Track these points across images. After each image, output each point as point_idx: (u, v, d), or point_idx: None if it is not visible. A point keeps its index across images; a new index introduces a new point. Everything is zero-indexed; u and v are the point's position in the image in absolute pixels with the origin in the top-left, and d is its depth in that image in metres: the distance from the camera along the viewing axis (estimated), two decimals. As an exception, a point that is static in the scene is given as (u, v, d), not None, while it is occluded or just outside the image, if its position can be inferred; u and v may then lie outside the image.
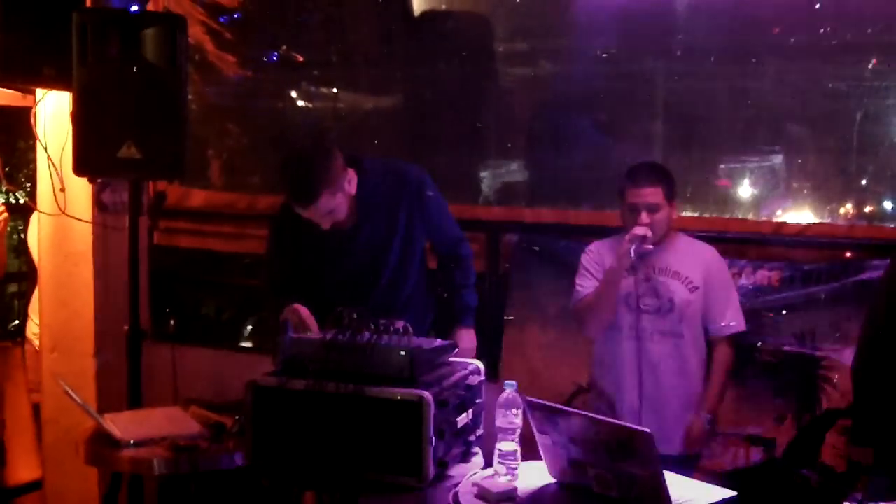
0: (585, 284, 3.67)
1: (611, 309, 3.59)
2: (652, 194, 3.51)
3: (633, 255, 3.45)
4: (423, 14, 5.03)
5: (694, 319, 3.58)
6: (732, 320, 3.61)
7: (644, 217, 3.50)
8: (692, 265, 3.60)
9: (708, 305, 3.59)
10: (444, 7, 5.07)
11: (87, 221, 4.59)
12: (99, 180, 4.51)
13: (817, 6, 4.23)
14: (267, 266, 3.71)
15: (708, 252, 3.66)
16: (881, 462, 3.19)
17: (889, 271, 3.29)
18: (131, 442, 3.23)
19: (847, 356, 3.70)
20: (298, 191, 3.28)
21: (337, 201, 3.30)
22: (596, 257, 3.69)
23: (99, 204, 4.65)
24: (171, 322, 5.43)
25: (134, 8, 4.25)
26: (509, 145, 5.00)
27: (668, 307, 3.56)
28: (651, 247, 3.49)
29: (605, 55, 4.73)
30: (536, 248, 4.45)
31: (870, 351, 3.24)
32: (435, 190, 3.60)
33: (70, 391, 3.44)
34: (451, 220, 3.71)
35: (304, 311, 3.28)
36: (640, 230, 3.46)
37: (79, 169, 3.96)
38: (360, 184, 3.40)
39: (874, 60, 4.12)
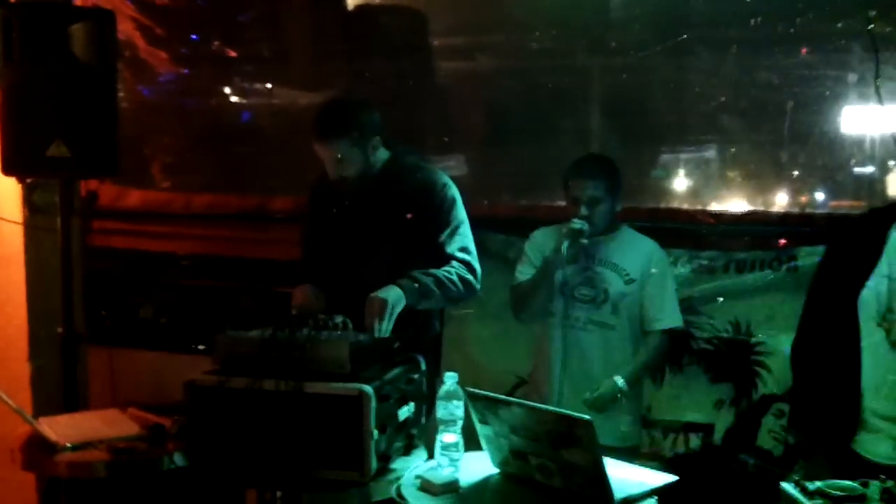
0: (524, 271, 3.70)
1: (545, 297, 3.62)
2: (592, 187, 3.56)
3: (565, 247, 3.47)
4: (358, 8, 5.00)
5: (628, 311, 3.61)
6: (668, 316, 3.66)
7: (583, 210, 3.53)
8: (631, 258, 3.64)
9: (644, 299, 3.63)
10: (378, 1, 5.05)
11: (16, 223, 4.49)
12: (28, 180, 4.40)
13: (747, -2, 4.30)
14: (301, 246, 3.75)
15: (649, 246, 3.70)
16: (816, 442, 3.26)
17: (825, 256, 3.36)
18: (68, 445, 3.16)
19: (781, 342, 3.77)
20: (320, 124, 3.38)
21: (353, 154, 3.37)
22: (537, 245, 3.72)
23: (29, 205, 4.55)
24: (108, 325, 5.33)
25: (62, 3, 4.16)
26: (446, 140, 4.99)
27: (603, 298, 3.60)
28: (586, 241, 3.52)
29: (541, 50, 4.75)
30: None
31: (806, 335, 3.30)
32: (447, 198, 3.48)
33: (3, 396, 3.35)
34: (457, 231, 3.48)
35: (309, 291, 3.33)
36: (577, 223, 3.50)
37: (7, 168, 3.87)
38: (385, 167, 3.48)
39: (804, 50, 4.19)
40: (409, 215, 3.44)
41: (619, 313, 3.60)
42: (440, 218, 3.45)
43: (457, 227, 3.47)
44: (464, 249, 3.45)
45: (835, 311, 3.15)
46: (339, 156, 3.35)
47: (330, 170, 3.40)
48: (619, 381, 3.55)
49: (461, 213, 3.49)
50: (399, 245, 3.43)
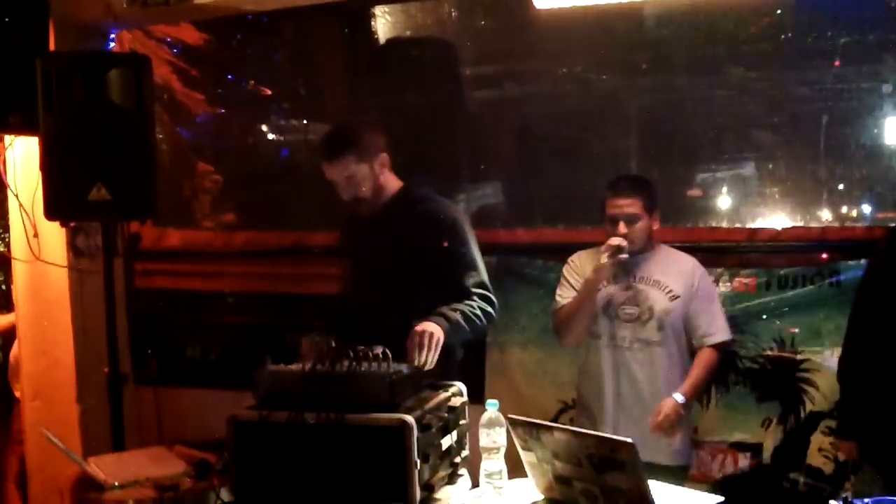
0: (564, 294, 3.70)
1: (587, 319, 3.62)
2: (629, 205, 3.56)
3: (607, 265, 3.46)
4: (389, 42, 5.05)
5: (673, 328, 3.59)
6: (718, 330, 3.64)
7: (621, 227, 3.54)
8: (672, 275, 3.62)
9: (692, 315, 3.61)
10: (408, 34, 5.09)
11: (62, 266, 4.56)
12: (72, 224, 4.48)
13: (778, 12, 4.28)
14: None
15: (690, 263, 3.69)
16: (866, 455, 3.21)
17: (867, 270, 3.33)
18: (116, 484, 3.19)
19: (827, 357, 3.72)
20: (327, 145, 3.49)
21: (361, 171, 3.44)
22: (576, 267, 3.73)
23: (73, 248, 4.62)
24: (153, 364, 5.38)
25: (99, 50, 4.24)
26: (482, 167, 5.01)
27: (648, 316, 3.58)
28: (626, 256, 3.52)
29: (571, 74, 4.76)
30: (513, 270, 4.45)
31: (853, 347, 3.27)
32: (460, 229, 3.50)
33: (53, 438, 3.40)
34: (481, 276, 3.48)
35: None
36: (615, 240, 3.51)
37: (50, 213, 3.95)
38: (401, 193, 3.56)
39: (836, 63, 4.16)
40: (418, 245, 3.45)
41: (665, 330, 3.58)
42: (453, 250, 3.47)
43: (472, 261, 3.48)
44: (481, 284, 3.45)
45: (880, 321, 3.11)
46: (347, 174, 3.43)
47: (342, 192, 3.48)
48: (679, 397, 3.52)
49: (473, 245, 3.52)
50: (410, 275, 3.45)
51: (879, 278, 3.20)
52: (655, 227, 3.66)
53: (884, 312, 3.14)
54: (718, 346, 3.64)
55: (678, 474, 3.50)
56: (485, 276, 3.49)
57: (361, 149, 3.47)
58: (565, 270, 3.77)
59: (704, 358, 3.62)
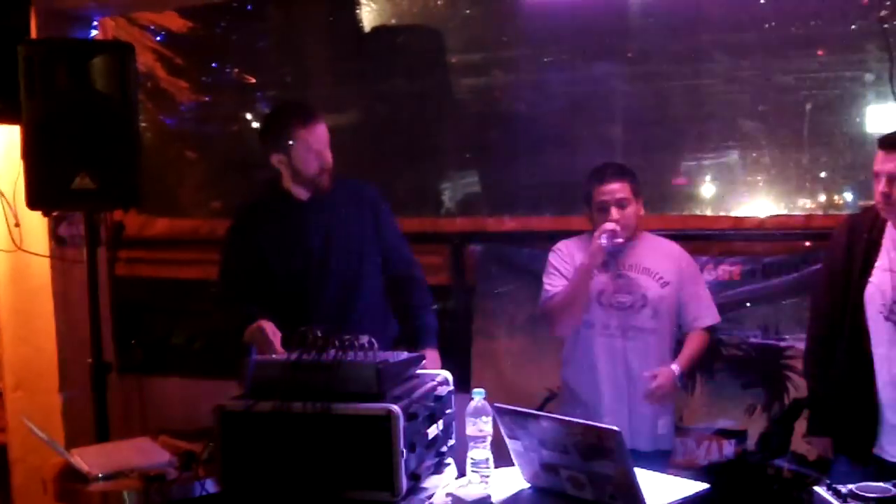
0: (555, 283, 3.66)
1: (583, 306, 3.60)
2: (620, 189, 3.54)
3: (605, 248, 3.47)
4: (375, 30, 5.03)
5: (667, 314, 3.59)
6: (707, 313, 3.66)
7: (614, 212, 3.52)
8: (661, 261, 3.62)
9: (682, 301, 3.62)
10: (394, 22, 5.07)
11: (44, 256, 4.53)
12: (54, 213, 4.45)
13: (762, 2, 4.28)
14: (223, 274, 3.69)
15: (675, 249, 3.70)
16: (840, 449, 3.23)
17: (824, 258, 3.34)
18: (100, 476, 3.18)
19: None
20: (304, 110, 3.51)
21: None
22: (565, 256, 3.68)
23: (56, 237, 4.59)
24: (138, 353, 5.37)
25: (82, 38, 4.21)
26: (468, 156, 5.01)
27: (642, 303, 3.57)
28: (622, 240, 3.51)
29: (557, 62, 4.76)
30: (500, 258, 4.46)
31: (816, 339, 3.28)
32: (389, 210, 3.67)
33: (35, 428, 3.38)
34: (405, 242, 3.73)
35: (269, 328, 3.27)
36: (610, 225, 3.49)
37: (32, 202, 3.92)
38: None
39: (820, 52, 4.17)
40: (357, 226, 3.56)
41: (659, 317, 3.58)
42: (390, 222, 3.65)
43: (402, 236, 3.71)
44: (414, 260, 3.73)
45: (841, 310, 3.13)
46: (326, 139, 3.48)
47: (326, 156, 3.49)
48: (675, 367, 3.53)
49: (390, 211, 3.70)
50: (357, 252, 3.57)
51: (837, 267, 3.20)
52: (641, 213, 3.66)
53: (843, 300, 3.15)
54: (708, 329, 3.67)
55: (660, 461, 3.51)
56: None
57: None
58: (553, 259, 3.72)
59: (696, 338, 3.64)
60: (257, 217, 3.62)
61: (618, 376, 3.59)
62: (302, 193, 3.55)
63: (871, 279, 3.06)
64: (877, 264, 3.07)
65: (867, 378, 3.07)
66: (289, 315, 3.42)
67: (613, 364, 3.59)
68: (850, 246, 3.16)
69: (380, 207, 3.63)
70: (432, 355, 3.53)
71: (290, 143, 3.45)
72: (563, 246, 3.73)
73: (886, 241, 3.09)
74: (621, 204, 3.54)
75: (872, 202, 3.15)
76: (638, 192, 3.60)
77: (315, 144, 3.47)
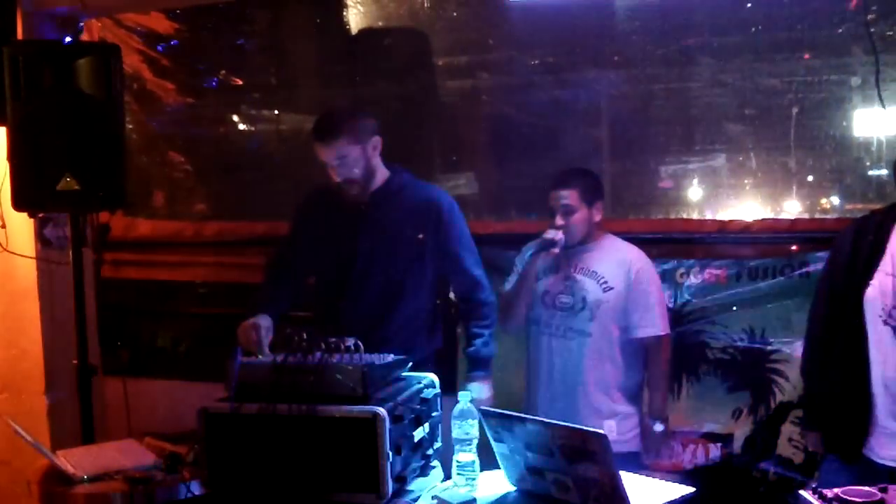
0: (511, 280, 3.73)
1: (523, 306, 3.71)
2: (565, 197, 3.60)
3: (529, 256, 3.57)
4: (361, 32, 5.03)
5: (606, 318, 3.62)
6: (648, 324, 3.65)
7: (558, 219, 3.60)
8: (611, 266, 3.66)
9: (627, 307, 3.64)
10: (380, 24, 5.07)
11: (30, 257, 4.51)
12: (40, 215, 4.43)
13: (748, 5, 4.30)
14: (278, 246, 3.81)
15: (630, 254, 3.70)
16: (830, 446, 3.25)
17: (828, 260, 3.36)
18: (85, 478, 3.17)
19: (796, 348, 3.76)
20: (320, 127, 3.48)
21: (353, 154, 3.44)
22: (523, 257, 3.73)
23: (42, 239, 4.57)
24: (123, 355, 5.34)
25: (67, 39, 4.19)
26: (455, 158, 5.01)
27: (581, 306, 3.63)
28: (557, 251, 3.59)
29: (543, 65, 4.76)
30: (486, 260, 4.46)
31: (815, 339, 3.30)
32: (461, 222, 3.64)
33: (20, 430, 3.37)
34: (472, 258, 3.68)
35: (263, 328, 3.29)
36: (549, 233, 3.60)
37: (18, 204, 3.89)
38: (389, 180, 3.59)
39: (806, 55, 4.19)
40: (413, 231, 3.53)
41: (597, 321, 3.62)
42: (454, 235, 3.59)
43: (473, 247, 3.65)
44: (480, 274, 3.66)
45: (841, 311, 3.15)
46: (340, 155, 3.43)
47: (333, 173, 3.47)
48: (658, 426, 3.66)
49: (462, 223, 3.66)
50: (407, 261, 3.53)
51: (840, 269, 3.22)
52: (598, 218, 3.68)
53: (843, 301, 3.17)
54: (663, 340, 3.67)
55: (631, 461, 3.53)
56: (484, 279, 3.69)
57: (355, 132, 3.47)
58: (517, 258, 3.79)
59: (655, 364, 3.68)
60: (321, 203, 3.66)
61: (554, 374, 3.67)
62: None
63: (872, 282, 3.07)
64: (879, 268, 3.08)
65: (862, 380, 3.09)
66: (323, 314, 3.43)
67: (551, 362, 3.69)
68: (855, 248, 3.18)
69: (443, 218, 3.59)
70: (478, 386, 3.53)
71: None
72: (525, 247, 3.78)
73: (891, 246, 3.10)
74: (566, 210, 3.60)
75: (878, 206, 3.18)
76: (593, 197, 3.64)
77: (324, 158, 3.48)
